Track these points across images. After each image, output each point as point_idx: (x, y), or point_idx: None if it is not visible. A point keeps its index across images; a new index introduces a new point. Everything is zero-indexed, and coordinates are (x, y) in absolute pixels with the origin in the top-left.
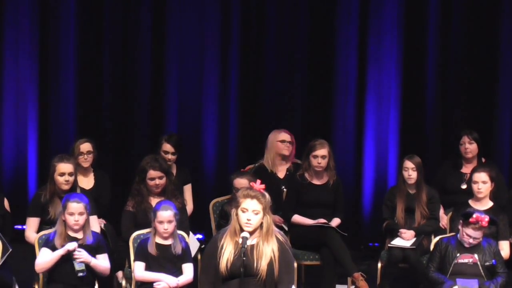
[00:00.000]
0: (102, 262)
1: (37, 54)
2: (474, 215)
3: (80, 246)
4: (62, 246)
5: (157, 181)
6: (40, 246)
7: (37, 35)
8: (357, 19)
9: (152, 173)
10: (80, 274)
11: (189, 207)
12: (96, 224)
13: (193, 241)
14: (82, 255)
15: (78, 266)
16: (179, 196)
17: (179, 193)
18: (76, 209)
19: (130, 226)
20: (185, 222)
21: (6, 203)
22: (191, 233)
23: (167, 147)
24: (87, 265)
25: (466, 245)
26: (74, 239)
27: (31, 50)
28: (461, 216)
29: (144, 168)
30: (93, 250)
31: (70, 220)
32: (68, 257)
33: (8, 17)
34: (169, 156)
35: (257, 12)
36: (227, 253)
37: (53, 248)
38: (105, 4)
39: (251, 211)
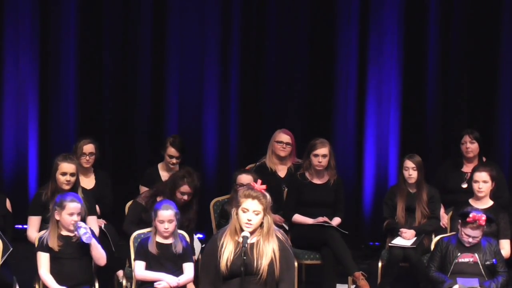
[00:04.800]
0: (99, 247)
1: (37, 53)
2: (471, 214)
3: (73, 242)
4: (59, 246)
5: (186, 197)
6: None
7: (38, 35)
8: (358, 19)
9: (186, 188)
10: (86, 239)
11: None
12: (95, 224)
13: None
14: (83, 224)
15: (82, 231)
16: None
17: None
18: (76, 209)
19: (134, 220)
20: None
21: (8, 203)
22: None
23: (172, 151)
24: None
25: (466, 245)
26: (68, 238)
27: (32, 50)
28: (458, 216)
29: (179, 181)
30: (86, 244)
31: (69, 220)
32: (66, 256)
33: (8, 16)
34: (174, 160)
35: (257, 13)
36: (227, 252)
37: (48, 250)
38: (105, 4)
39: (251, 212)
